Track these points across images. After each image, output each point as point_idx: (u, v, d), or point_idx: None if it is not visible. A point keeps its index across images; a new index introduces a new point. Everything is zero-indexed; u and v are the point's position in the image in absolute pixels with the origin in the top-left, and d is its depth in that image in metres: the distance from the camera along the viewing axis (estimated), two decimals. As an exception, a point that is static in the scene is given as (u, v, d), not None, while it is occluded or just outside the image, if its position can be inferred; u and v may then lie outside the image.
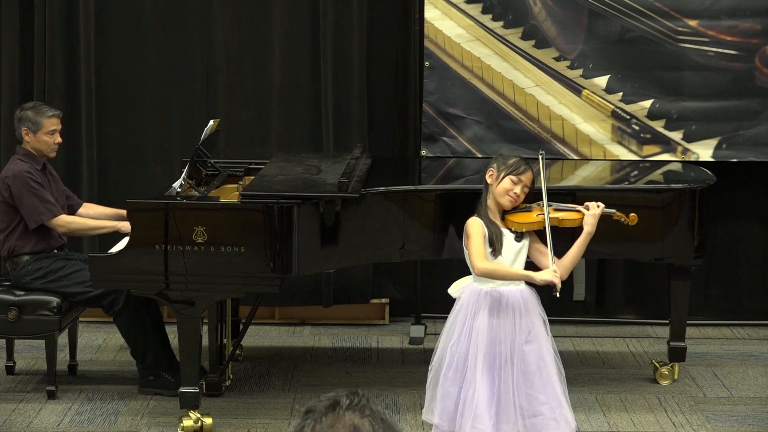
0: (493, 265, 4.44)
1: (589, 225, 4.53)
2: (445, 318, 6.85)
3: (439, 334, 6.67)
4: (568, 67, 6.51)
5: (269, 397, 5.70)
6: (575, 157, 6.50)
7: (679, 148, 6.53)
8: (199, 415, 5.23)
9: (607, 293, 6.97)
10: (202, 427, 5.23)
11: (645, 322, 6.86)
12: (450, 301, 6.95)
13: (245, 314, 6.06)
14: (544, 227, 4.50)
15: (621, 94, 6.51)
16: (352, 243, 5.32)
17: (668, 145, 6.53)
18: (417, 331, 6.64)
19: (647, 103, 6.51)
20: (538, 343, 4.46)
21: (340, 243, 5.28)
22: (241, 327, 6.09)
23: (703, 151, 6.53)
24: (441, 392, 4.48)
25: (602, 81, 6.51)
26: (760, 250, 6.89)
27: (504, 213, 4.56)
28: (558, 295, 4.43)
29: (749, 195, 6.82)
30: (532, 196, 4.64)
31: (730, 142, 6.54)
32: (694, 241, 5.73)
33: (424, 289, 6.82)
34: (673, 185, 5.86)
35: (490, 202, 4.55)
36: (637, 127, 6.51)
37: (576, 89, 6.52)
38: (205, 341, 5.55)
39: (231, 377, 5.88)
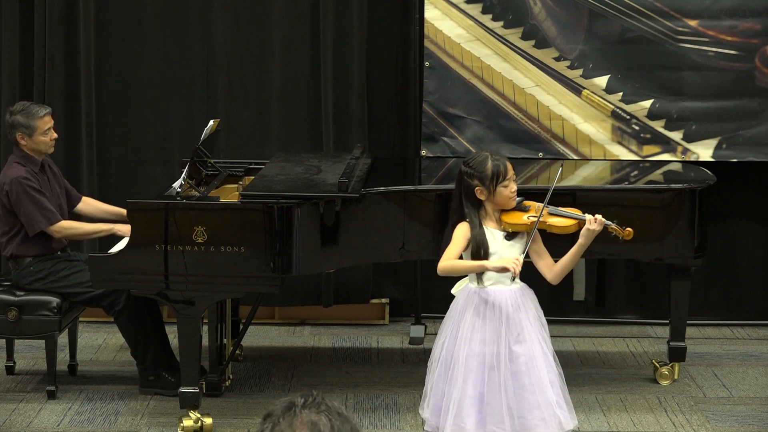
0: (449, 262, 4.43)
1: (584, 237, 4.45)
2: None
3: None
4: (568, 67, 6.51)
5: (269, 397, 5.70)
6: (575, 157, 6.50)
7: (679, 148, 6.53)
8: (199, 415, 5.23)
9: (607, 293, 6.97)
10: (202, 427, 5.23)
11: (645, 322, 6.86)
12: (446, 302, 6.96)
13: (245, 314, 6.06)
14: (531, 230, 4.48)
15: (621, 94, 6.51)
16: (352, 243, 5.32)
17: (668, 145, 6.53)
18: (417, 331, 6.65)
19: (647, 103, 6.51)
20: (530, 343, 4.44)
21: (340, 243, 5.29)
22: (241, 327, 6.09)
23: (703, 151, 6.53)
24: (432, 388, 4.51)
25: (602, 81, 6.51)
26: (760, 250, 6.90)
27: (501, 211, 4.53)
28: (514, 279, 4.39)
29: (749, 195, 6.82)
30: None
31: (730, 142, 6.54)
32: (693, 241, 5.73)
33: (424, 289, 6.82)
34: (673, 185, 5.86)
35: (487, 209, 4.49)
36: (637, 127, 6.51)
37: (576, 89, 6.52)
38: (205, 341, 5.55)
39: (231, 377, 5.88)
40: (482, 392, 4.40)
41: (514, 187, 4.49)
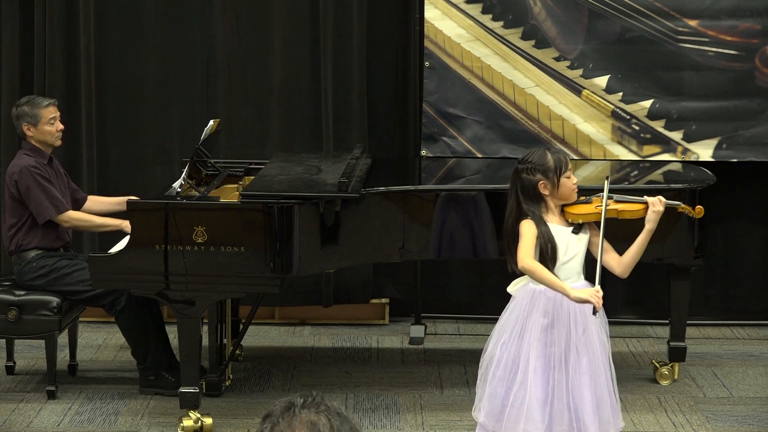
0: (537, 265, 4.28)
1: (651, 222, 4.37)
2: (445, 318, 6.93)
3: (439, 334, 6.73)
4: (568, 67, 6.51)
5: (269, 397, 5.70)
6: (575, 157, 6.50)
7: (679, 148, 6.53)
8: (199, 415, 5.23)
9: (607, 293, 6.92)
10: (202, 427, 5.23)
11: (645, 322, 6.86)
12: (446, 301, 7.01)
13: (245, 314, 6.06)
14: (601, 218, 4.35)
15: (621, 94, 6.51)
16: (352, 243, 5.32)
17: (668, 145, 6.53)
18: (417, 331, 6.65)
19: (647, 103, 6.51)
20: (593, 345, 4.35)
21: (341, 243, 5.29)
22: (241, 327, 6.09)
23: (703, 151, 6.53)
24: (489, 391, 4.38)
25: (602, 81, 6.51)
26: (760, 250, 6.89)
27: (563, 206, 4.43)
28: (596, 315, 4.28)
29: (749, 195, 6.82)
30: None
31: (730, 142, 6.54)
32: (694, 241, 5.73)
33: (424, 289, 6.82)
34: (673, 185, 5.87)
35: (550, 204, 4.39)
36: (637, 127, 6.51)
37: (576, 89, 6.52)
38: (205, 341, 5.55)
39: (231, 377, 5.89)
40: (548, 393, 4.32)
41: (575, 179, 4.41)
